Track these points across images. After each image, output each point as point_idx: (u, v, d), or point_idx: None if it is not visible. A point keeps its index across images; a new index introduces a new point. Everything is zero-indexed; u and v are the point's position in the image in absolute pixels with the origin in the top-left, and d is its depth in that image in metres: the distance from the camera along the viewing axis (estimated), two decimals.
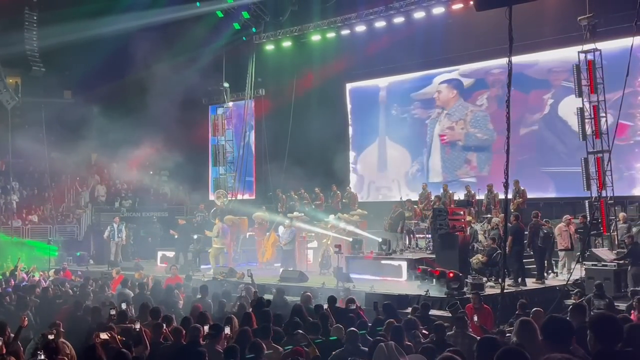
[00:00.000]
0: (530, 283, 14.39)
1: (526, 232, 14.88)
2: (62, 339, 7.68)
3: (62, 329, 8.06)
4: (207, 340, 7.53)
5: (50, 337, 7.08)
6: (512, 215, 14.76)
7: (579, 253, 14.87)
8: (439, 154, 22.30)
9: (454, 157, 22.00)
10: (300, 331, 7.65)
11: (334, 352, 7.06)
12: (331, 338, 7.33)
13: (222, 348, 7.21)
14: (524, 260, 14.65)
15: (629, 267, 13.33)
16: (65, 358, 7.24)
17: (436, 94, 22.41)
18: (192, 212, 23.70)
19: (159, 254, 21.40)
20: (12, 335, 7.79)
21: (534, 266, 15.15)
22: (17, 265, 17.75)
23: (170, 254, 20.39)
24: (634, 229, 15.48)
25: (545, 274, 15.09)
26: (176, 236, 20.18)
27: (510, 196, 14.47)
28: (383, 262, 16.20)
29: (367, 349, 6.62)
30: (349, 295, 11.39)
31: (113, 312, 9.16)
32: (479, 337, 8.38)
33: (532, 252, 15.22)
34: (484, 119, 21.16)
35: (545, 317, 4.88)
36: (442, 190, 19.15)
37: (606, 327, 3.88)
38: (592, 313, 9.72)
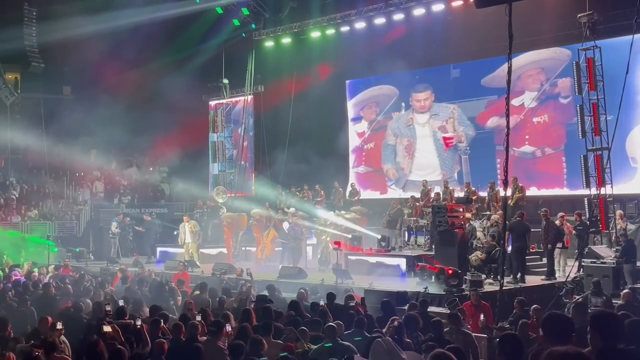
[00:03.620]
0: (539, 280, 14.46)
1: (538, 230, 15.01)
2: (61, 337, 7.67)
3: (58, 327, 7.97)
4: (208, 336, 7.54)
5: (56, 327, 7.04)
6: (517, 212, 14.89)
7: (576, 250, 14.93)
8: None
9: None
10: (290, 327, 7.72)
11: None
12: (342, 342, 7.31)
13: (223, 344, 7.23)
14: (526, 258, 14.70)
15: (624, 264, 13.38)
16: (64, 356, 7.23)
17: None
18: (191, 209, 23.68)
19: (158, 250, 21.41)
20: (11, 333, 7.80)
21: (539, 263, 15.27)
22: (19, 264, 17.75)
23: (173, 250, 20.53)
24: (633, 227, 15.48)
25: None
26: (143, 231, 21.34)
27: (509, 193, 14.53)
28: (382, 259, 16.23)
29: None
30: (349, 292, 11.39)
31: (108, 307, 9.03)
32: (474, 334, 8.48)
33: (544, 250, 15.33)
34: None
35: (545, 314, 4.89)
36: (443, 187, 19.14)
37: (608, 325, 3.87)
38: (589, 310, 9.76)
